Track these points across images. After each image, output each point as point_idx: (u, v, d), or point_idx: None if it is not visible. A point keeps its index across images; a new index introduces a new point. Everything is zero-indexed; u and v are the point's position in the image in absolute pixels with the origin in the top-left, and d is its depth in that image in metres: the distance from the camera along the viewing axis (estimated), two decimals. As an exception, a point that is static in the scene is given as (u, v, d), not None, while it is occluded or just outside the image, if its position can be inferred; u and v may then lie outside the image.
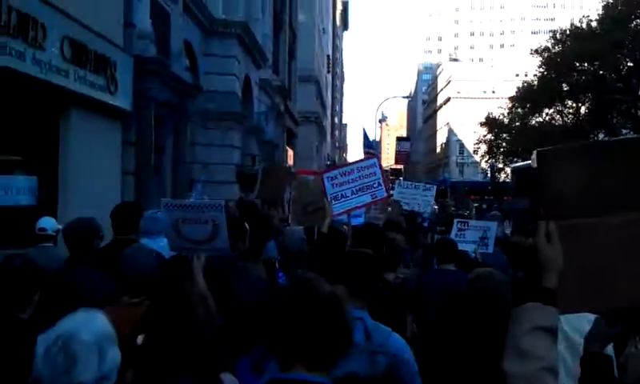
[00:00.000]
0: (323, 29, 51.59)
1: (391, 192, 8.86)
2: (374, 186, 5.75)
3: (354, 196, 5.71)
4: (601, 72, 37.40)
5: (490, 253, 6.47)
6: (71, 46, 7.62)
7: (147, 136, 9.92)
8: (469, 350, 2.07)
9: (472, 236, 6.55)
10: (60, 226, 5.20)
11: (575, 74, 39.60)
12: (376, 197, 5.85)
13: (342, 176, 5.77)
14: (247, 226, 4.19)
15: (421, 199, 9.43)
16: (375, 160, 6.22)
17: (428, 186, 10.24)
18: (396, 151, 49.24)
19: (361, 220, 6.79)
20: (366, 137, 19.28)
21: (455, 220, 7.14)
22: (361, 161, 6.46)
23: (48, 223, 5.44)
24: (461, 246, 5.88)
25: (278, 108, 25.73)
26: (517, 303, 1.60)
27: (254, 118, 19.11)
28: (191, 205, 3.49)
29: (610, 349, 2.81)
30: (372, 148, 20.18)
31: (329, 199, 5.53)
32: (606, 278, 1.60)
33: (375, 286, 2.78)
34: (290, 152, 33.31)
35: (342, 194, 5.67)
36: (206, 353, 2.07)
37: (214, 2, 15.07)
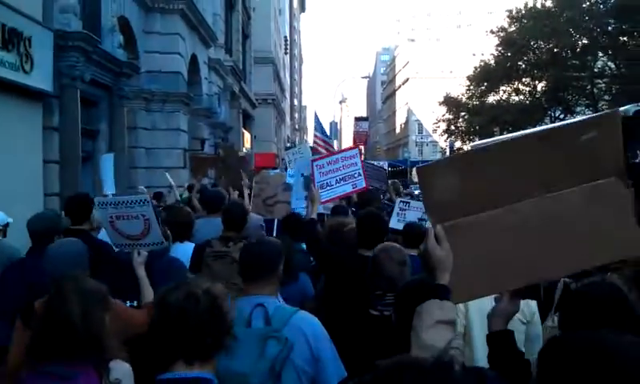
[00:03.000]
0: (279, 10, 50.52)
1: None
2: (355, 175, 6.00)
3: (337, 185, 5.95)
4: (556, 50, 37.50)
5: None
6: (-27, 18, 6.68)
7: (73, 120, 8.94)
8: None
9: (412, 216, 6.49)
10: (10, 220, 5.21)
11: (531, 52, 39.71)
12: (356, 186, 6.08)
13: (328, 165, 5.99)
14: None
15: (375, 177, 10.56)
16: (357, 150, 6.45)
17: (380, 162, 11.72)
18: (354, 131, 48.88)
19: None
20: (317, 121, 18.86)
21: (398, 199, 7.19)
22: (345, 150, 6.65)
23: None
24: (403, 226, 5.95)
25: (232, 89, 24.81)
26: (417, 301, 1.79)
27: (203, 99, 18.18)
28: (120, 201, 3.54)
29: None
30: (324, 133, 19.82)
31: (316, 187, 5.59)
32: (491, 265, 1.83)
33: (278, 271, 2.76)
34: (247, 135, 32.43)
35: (327, 183, 5.88)
36: (81, 344, 2.22)
37: (153, -25, 14.07)
